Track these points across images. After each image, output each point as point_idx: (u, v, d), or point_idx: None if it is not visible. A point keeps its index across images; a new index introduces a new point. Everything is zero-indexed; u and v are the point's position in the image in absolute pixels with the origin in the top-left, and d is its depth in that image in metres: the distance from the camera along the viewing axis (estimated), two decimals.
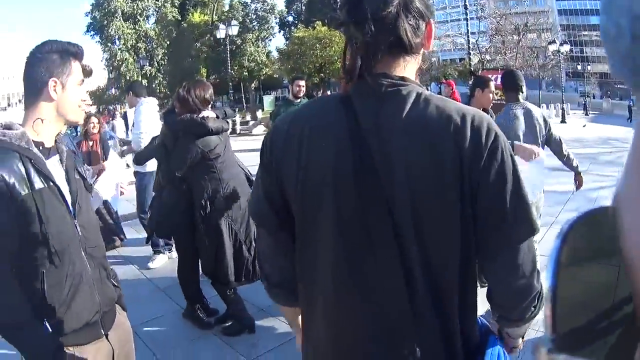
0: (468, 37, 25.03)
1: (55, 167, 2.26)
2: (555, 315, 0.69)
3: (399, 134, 1.47)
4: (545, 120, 5.32)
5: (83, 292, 2.26)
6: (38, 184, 2.11)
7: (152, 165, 6.57)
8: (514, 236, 1.49)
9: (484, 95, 5.65)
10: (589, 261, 0.77)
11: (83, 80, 2.33)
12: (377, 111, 1.51)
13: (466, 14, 24.00)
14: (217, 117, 4.86)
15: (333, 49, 39.55)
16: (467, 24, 24.50)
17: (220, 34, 35.21)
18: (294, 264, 1.75)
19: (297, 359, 1.95)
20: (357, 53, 1.52)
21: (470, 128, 1.45)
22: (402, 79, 1.54)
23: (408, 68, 1.58)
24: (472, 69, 23.83)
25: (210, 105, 4.89)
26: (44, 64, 2.20)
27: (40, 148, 2.20)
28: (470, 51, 30.63)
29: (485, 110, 5.44)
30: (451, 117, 1.47)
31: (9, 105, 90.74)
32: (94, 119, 8.06)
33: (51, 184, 2.16)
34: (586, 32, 78.99)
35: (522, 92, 5.13)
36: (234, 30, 36.41)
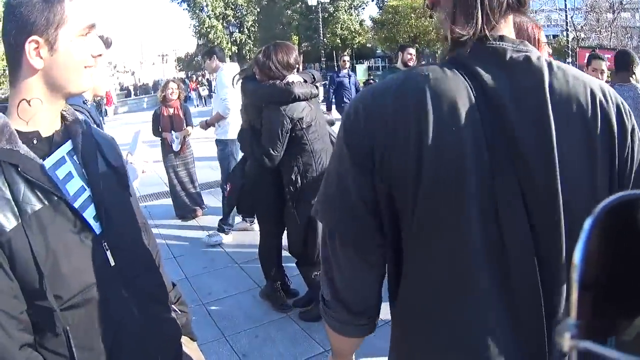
0: (566, 12, 23.76)
1: (63, 165, 1.54)
2: (582, 301, 0.68)
3: (546, 113, 1.18)
4: None
5: (128, 346, 1.59)
6: (32, 204, 1.41)
7: (233, 131, 6.35)
8: None
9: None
10: (620, 246, 0.75)
11: (90, 29, 1.52)
12: (509, 83, 1.20)
13: None
14: (305, 81, 4.33)
15: (428, 19, 37.23)
16: None
17: (312, 0, 34.91)
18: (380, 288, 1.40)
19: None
20: (473, 9, 1.21)
21: (614, 104, 1.26)
22: (522, 43, 1.26)
23: (515, 30, 1.33)
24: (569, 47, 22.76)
25: (295, 70, 4.37)
26: (17, 15, 1.42)
27: (35, 142, 1.49)
28: (567, 27, 29.51)
29: None
30: (595, 92, 1.25)
31: None
32: (172, 85, 7.98)
33: (55, 198, 1.45)
34: None
35: (635, 74, 4.70)
36: None
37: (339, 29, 51.00)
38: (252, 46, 56.80)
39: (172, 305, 1.98)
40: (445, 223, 1.19)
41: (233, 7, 56.13)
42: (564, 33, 37.02)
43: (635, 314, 0.71)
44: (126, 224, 1.72)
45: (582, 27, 45.65)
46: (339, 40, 52.13)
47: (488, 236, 1.18)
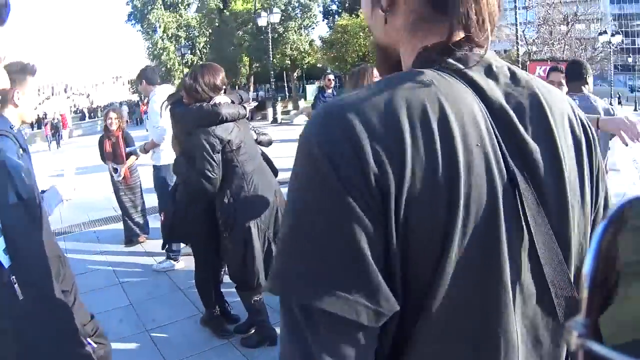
0: (517, 27, 24.18)
1: None
2: (592, 300, 0.67)
3: (550, 127, 1.06)
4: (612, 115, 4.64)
5: None
6: None
7: (166, 158, 6.41)
8: None
9: None
10: (633, 246, 0.71)
11: None
12: (504, 95, 1.06)
13: (515, 2, 23.18)
14: (233, 102, 4.33)
15: None
16: (516, 13, 23.64)
17: (262, 21, 35.01)
18: None
19: None
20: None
21: (578, 114, 1.17)
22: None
23: None
24: (519, 60, 23.08)
25: (222, 92, 4.36)
26: None
27: None
28: (518, 41, 29.98)
29: None
30: (565, 99, 1.17)
31: (52, 94, 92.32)
32: (111, 114, 7.87)
33: None
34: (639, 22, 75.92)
35: (587, 84, 4.63)
36: (276, 17, 35.80)
37: (289, 49, 51.05)
38: None
39: (88, 339, 1.94)
40: (474, 268, 0.94)
41: (185, 28, 56.25)
42: (515, 47, 37.59)
43: None
44: (35, 257, 1.65)
45: (533, 40, 46.55)
46: (288, 61, 52.25)
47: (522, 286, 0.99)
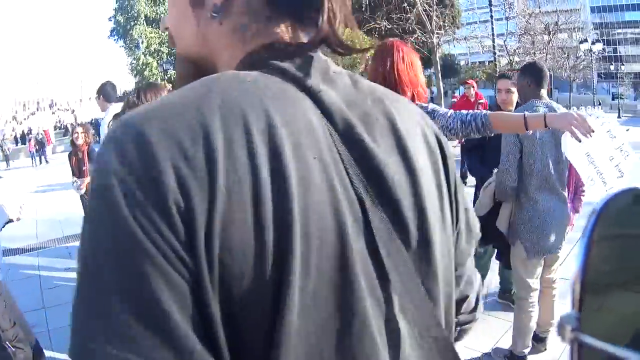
0: (493, 37, 24.25)
1: None
2: (584, 294, 0.68)
3: (403, 142, 0.90)
4: None
5: None
6: None
7: None
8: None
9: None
10: (622, 240, 0.74)
11: None
12: (348, 104, 0.87)
13: (491, 11, 23.23)
14: None
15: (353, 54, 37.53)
16: (492, 23, 23.68)
17: None
18: None
19: None
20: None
21: (432, 126, 1.05)
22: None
23: None
24: (500, 71, 23.17)
25: None
26: None
27: None
28: (497, 52, 30.07)
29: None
30: (417, 111, 1.04)
31: (37, 109, 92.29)
32: (78, 129, 7.88)
33: None
34: (620, 30, 77.09)
35: (544, 88, 4.31)
36: None
37: None
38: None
39: (7, 343, 2.23)
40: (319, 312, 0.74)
41: (168, 43, 55.90)
42: (497, 58, 37.63)
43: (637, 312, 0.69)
44: None
45: (514, 50, 46.72)
46: None
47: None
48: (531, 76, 4.26)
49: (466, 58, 63.23)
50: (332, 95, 0.85)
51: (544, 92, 4.24)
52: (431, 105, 3.20)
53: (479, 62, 53.23)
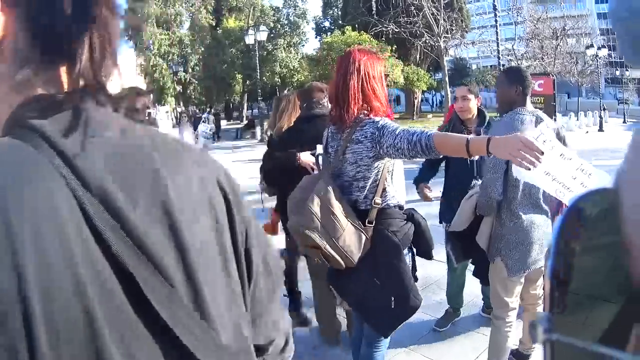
0: (497, 42, 24.37)
1: None
2: (554, 295, 0.69)
3: (162, 196, 0.86)
4: (560, 137, 3.90)
5: None
6: None
7: None
8: None
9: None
10: (589, 241, 0.75)
11: None
12: (101, 161, 0.80)
13: (495, 16, 23.35)
14: None
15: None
16: (497, 28, 23.85)
17: (250, 39, 34.86)
18: None
19: None
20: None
21: (218, 174, 1.02)
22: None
23: None
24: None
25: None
26: None
27: None
28: (501, 56, 30.04)
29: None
30: (200, 159, 1.00)
31: None
32: None
33: None
34: None
35: (528, 95, 3.98)
36: (263, 35, 35.72)
37: (278, 67, 51.02)
38: (196, 85, 56.92)
39: None
40: None
41: (178, 45, 56.03)
42: (508, 62, 37.54)
43: (604, 310, 0.71)
44: None
45: (522, 55, 46.59)
46: (278, 79, 52.10)
47: None
48: (519, 83, 3.97)
49: (477, 62, 63.00)
50: (90, 160, 0.78)
51: (529, 100, 3.98)
52: (382, 121, 3.04)
53: (490, 65, 52.85)
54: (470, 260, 4.77)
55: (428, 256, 3.51)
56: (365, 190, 3.15)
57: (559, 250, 0.70)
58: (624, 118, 47.55)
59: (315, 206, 3.07)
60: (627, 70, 67.40)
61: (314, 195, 3.10)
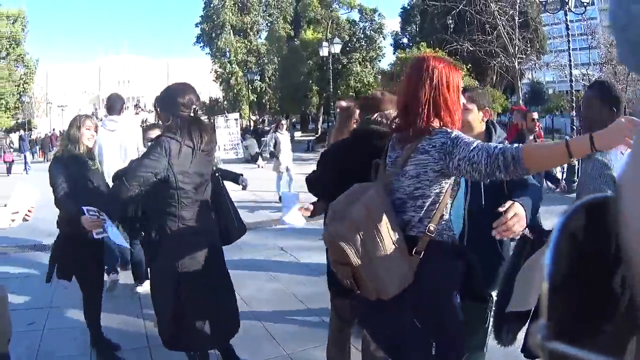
0: (570, 65, 24.22)
1: None
2: (552, 304, 0.69)
3: None
4: None
5: None
6: None
7: None
8: None
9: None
10: (587, 251, 0.77)
11: None
12: None
13: (568, 40, 23.26)
14: None
15: None
16: (570, 52, 23.69)
17: (324, 52, 34.85)
18: None
19: None
20: None
21: None
22: None
23: None
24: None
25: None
26: None
27: None
28: (576, 80, 29.66)
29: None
30: None
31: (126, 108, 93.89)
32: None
33: None
34: None
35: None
36: (337, 48, 35.55)
37: (352, 81, 49.88)
38: (271, 95, 56.92)
39: None
40: None
41: (256, 54, 56.32)
42: (583, 87, 37.01)
43: (603, 320, 0.74)
44: None
45: (596, 80, 45.54)
46: (352, 93, 49.48)
47: None
48: (615, 104, 3.35)
49: (554, 86, 62.61)
50: None
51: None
52: (456, 133, 2.72)
53: (566, 91, 52.29)
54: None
55: (479, 300, 3.15)
56: (422, 212, 2.77)
57: (557, 257, 0.72)
58: None
59: (360, 216, 2.67)
60: None
61: (361, 204, 2.69)
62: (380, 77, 45.90)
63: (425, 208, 2.76)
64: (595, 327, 0.72)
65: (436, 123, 2.78)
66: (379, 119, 3.61)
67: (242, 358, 4.56)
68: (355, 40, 53.16)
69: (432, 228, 2.74)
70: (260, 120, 57.84)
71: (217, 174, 4.65)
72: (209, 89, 64.10)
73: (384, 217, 2.66)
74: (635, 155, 0.62)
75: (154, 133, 5.24)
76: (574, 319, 0.71)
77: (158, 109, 4.12)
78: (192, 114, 4.05)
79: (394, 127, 3.01)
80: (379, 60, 55.17)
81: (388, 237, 2.64)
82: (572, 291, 0.71)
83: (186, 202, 3.93)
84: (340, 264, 2.73)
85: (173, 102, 4.00)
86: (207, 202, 4.22)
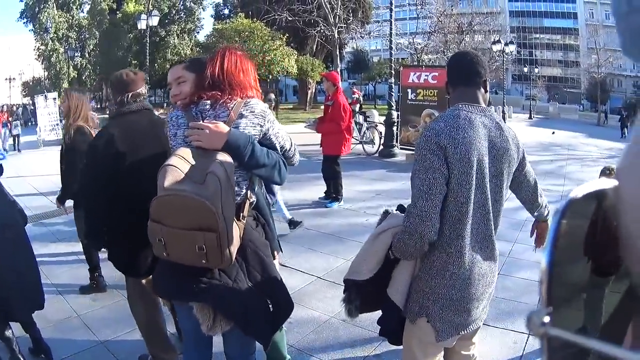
0: (391, 34, 23.67)
1: None
2: (551, 290, 0.70)
3: None
4: (517, 145, 2.92)
5: None
6: None
7: None
8: None
9: None
10: (585, 238, 0.77)
11: None
12: None
13: (391, 13, 22.71)
14: None
15: (254, 42, 35.69)
16: (391, 23, 23.09)
17: (142, 24, 33.63)
18: None
19: None
20: None
21: None
22: None
23: None
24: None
25: None
26: None
27: None
28: (402, 49, 29.56)
29: None
30: None
31: None
32: None
33: None
34: (538, 35, 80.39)
35: (486, 90, 2.87)
36: (155, 20, 34.11)
37: (169, 54, 50.18)
38: (91, 71, 55.70)
39: None
40: None
41: (77, 28, 54.64)
42: (410, 56, 37.22)
43: (602, 305, 0.75)
44: None
45: (422, 48, 46.65)
46: (168, 66, 50.17)
47: None
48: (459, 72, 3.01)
49: (379, 55, 63.21)
50: None
51: (480, 95, 2.87)
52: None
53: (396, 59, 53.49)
54: (378, 324, 3.26)
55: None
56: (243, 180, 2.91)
57: (556, 244, 0.71)
58: (530, 114, 48.84)
59: (221, 178, 2.56)
60: (537, 68, 69.00)
61: (219, 166, 2.58)
62: (198, 48, 45.71)
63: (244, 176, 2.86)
64: (594, 314, 0.75)
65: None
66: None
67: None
68: (174, 12, 52.99)
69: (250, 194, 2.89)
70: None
71: None
72: (32, 68, 61.79)
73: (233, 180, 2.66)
74: (633, 147, 0.66)
75: None
76: (573, 307, 0.75)
77: None
78: None
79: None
80: (197, 32, 56.00)
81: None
82: (572, 277, 0.76)
83: None
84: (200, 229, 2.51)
85: None
86: None
